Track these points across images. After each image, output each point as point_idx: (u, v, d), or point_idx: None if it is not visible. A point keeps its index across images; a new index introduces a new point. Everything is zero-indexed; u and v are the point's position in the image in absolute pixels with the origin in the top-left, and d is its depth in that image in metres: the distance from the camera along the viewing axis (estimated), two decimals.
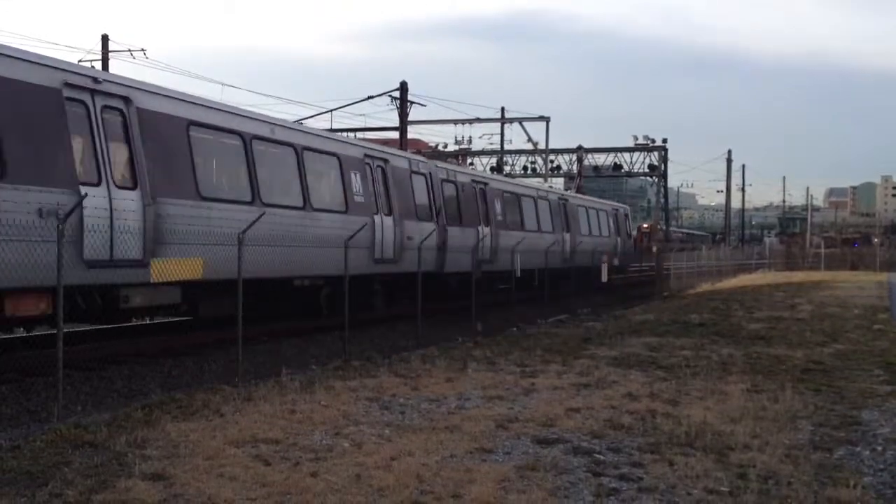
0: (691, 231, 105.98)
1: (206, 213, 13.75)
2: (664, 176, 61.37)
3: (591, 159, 59.87)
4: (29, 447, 7.53)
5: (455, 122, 54.10)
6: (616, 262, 37.34)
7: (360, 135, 41.04)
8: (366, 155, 19.63)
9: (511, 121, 55.21)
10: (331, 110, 41.17)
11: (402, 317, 19.65)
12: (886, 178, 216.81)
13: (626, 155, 59.52)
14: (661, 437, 8.33)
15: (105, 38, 37.61)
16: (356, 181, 18.81)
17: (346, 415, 9.11)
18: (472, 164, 57.20)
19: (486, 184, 26.31)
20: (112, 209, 12.03)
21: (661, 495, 6.57)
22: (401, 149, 33.38)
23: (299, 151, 16.93)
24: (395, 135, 41.78)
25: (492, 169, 55.46)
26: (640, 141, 59.36)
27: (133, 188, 12.63)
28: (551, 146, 55.19)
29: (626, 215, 43.97)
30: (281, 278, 16.05)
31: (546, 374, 12.13)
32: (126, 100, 12.77)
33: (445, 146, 59.00)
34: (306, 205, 16.80)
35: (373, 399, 10.05)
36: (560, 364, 13.14)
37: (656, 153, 59.25)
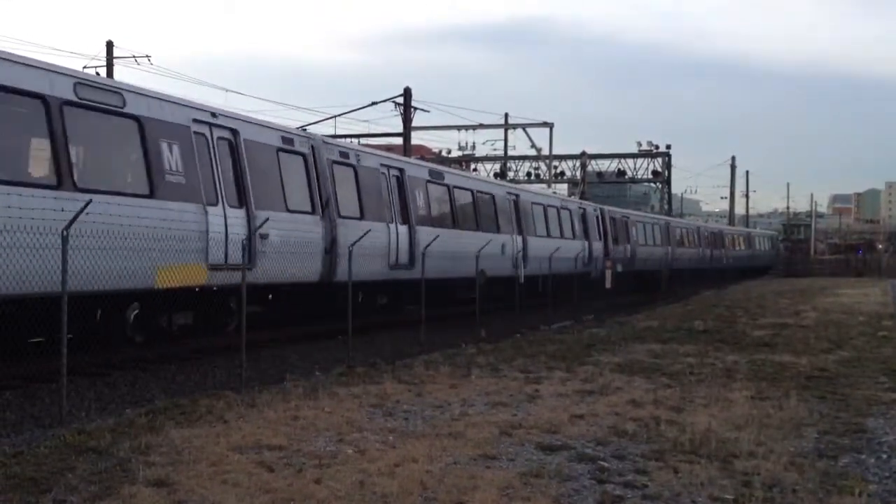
0: None
1: None
2: (668, 182, 61.44)
3: (594, 165, 60.00)
4: (33, 453, 7.52)
5: (459, 128, 54.17)
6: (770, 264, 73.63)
7: (363, 140, 41.06)
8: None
9: (514, 127, 55.27)
10: (335, 116, 41.20)
11: (406, 322, 19.64)
12: (891, 185, 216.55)
13: (630, 161, 59.65)
14: (666, 444, 8.31)
15: (110, 45, 37.67)
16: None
17: (349, 421, 9.10)
18: (475, 169, 57.24)
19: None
20: None
21: (665, 503, 6.55)
22: (405, 155, 33.41)
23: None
24: (399, 140, 41.82)
25: (495, 175, 55.47)
26: (644, 147, 59.48)
27: None
28: (555, 152, 55.26)
29: (779, 239, 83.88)
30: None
31: (550, 381, 12.11)
32: None
33: (449, 152, 59.14)
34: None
35: (376, 405, 10.04)
36: (564, 370, 13.12)
37: (660, 159, 59.32)
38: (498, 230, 25.55)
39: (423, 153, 55.37)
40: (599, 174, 60.65)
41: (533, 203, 29.02)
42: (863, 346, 17.17)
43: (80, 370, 12.12)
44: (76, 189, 11.73)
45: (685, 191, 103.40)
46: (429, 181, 22.13)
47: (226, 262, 14.48)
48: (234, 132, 15.45)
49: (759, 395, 11.07)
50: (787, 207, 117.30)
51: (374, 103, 40.68)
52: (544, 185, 53.83)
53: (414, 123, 41.79)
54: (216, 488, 6.58)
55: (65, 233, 9.32)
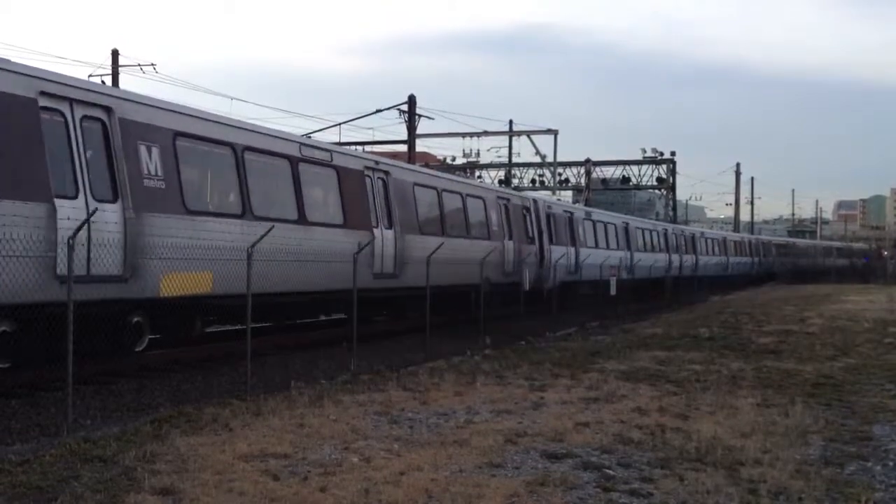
0: None
1: None
2: (673, 188, 61.33)
3: (599, 172, 59.89)
4: (38, 462, 7.53)
5: (463, 135, 54.11)
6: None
7: (368, 148, 41.10)
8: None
9: (519, 134, 55.22)
10: (339, 124, 41.27)
11: (411, 330, 19.64)
12: None
13: (635, 168, 59.52)
14: (671, 451, 8.30)
15: (115, 53, 37.82)
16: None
17: (354, 429, 9.10)
18: (480, 177, 57.22)
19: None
20: None
21: None
22: (409, 162, 33.40)
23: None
24: (404, 148, 41.85)
25: (500, 182, 55.43)
26: (649, 154, 59.35)
27: None
28: (559, 159, 55.17)
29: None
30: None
31: (555, 388, 12.10)
32: None
33: (454, 159, 59.10)
34: None
35: (381, 413, 10.05)
36: (569, 378, 13.11)
37: (665, 166, 59.24)
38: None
39: (428, 160, 55.37)
40: (604, 181, 60.60)
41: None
42: (869, 353, 17.13)
43: (85, 379, 12.12)
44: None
45: (690, 197, 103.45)
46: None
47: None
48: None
49: (765, 403, 11.05)
50: (793, 214, 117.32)
51: (378, 111, 40.78)
52: (549, 192, 53.80)
53: (418, 131, 41.83)
54: (221, 496, 6.59)
55: (71, 241, 9.42)
